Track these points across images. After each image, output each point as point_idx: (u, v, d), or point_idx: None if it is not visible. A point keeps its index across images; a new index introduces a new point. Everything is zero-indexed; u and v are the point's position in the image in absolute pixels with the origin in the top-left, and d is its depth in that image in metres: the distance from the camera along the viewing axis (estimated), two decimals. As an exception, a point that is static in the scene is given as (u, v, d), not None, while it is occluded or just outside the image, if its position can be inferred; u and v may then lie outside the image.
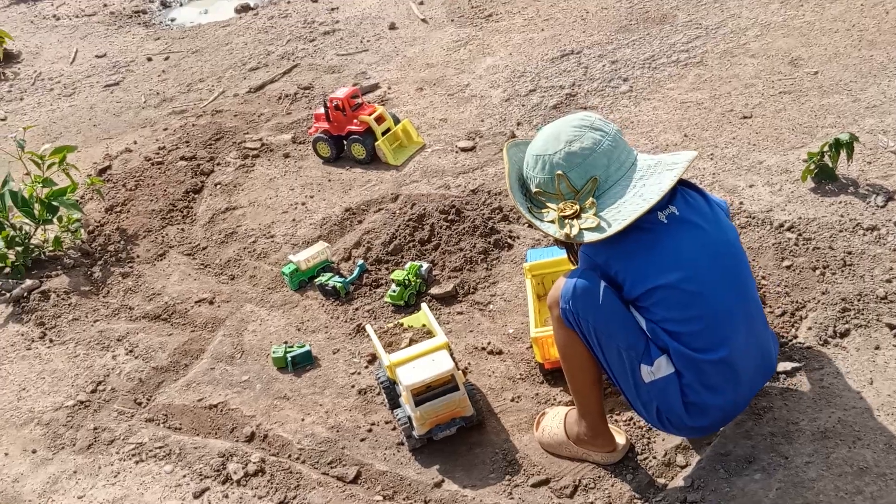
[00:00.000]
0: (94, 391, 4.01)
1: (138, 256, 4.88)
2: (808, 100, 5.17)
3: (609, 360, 2.98)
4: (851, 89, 5.18)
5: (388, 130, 5.38)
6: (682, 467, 3.16)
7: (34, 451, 3.73)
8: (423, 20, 7.27)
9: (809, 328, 3.60)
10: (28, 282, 4.70)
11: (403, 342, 3.55)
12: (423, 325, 3.67)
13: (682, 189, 3.00)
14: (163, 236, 5.01)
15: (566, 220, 2.92)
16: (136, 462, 3.60)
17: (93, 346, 4.28)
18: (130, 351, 4.21)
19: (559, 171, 2.93)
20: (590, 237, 2.87)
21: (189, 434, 3.70)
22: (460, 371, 3.47)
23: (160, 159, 5.72)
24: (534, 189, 3.01)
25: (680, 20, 6.43)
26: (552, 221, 2.95)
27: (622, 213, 2.85)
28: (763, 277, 3.89)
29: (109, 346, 4.27)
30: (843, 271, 3.86)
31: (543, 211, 2.99)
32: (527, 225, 4.55)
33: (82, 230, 5.04)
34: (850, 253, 3.94)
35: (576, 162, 2.91)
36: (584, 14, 6.81)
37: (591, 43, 6.34)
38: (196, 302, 4.47)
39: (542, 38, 6.55)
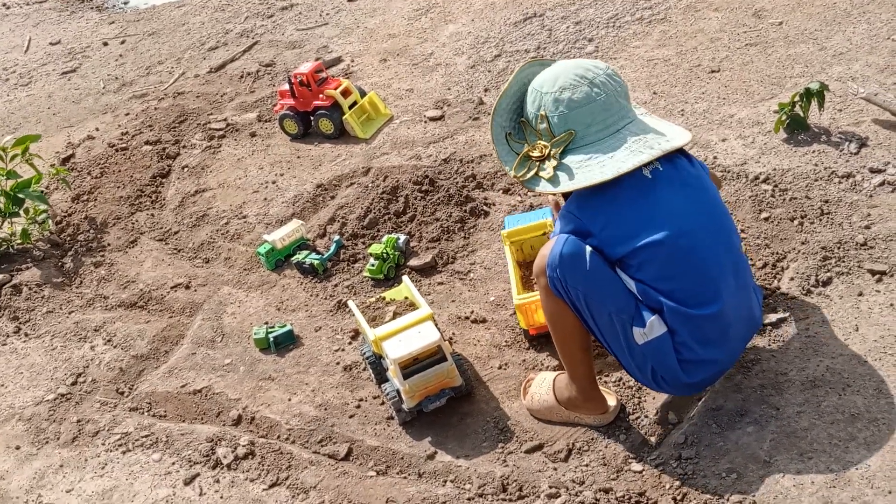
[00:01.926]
0: (74, 383, 3.95)
1: (109, 245, 4.81)
2: (775, 50, 5.16)
3: (600, 326, 2.97)
4: (817, 38, 5.18)
5: (354, 104, 5.32)
6: (675, 424, 3.16)
7: (17, 448, 3.68)
8: (382, -10, 7.19)
9: (792, 278, 3.61)
10: (-2, 276, 4.63)
11: (387, 316, 3.52)
12: (406, 298, 3.64)
13: None
14: (133, 223, 4.94)
15: (531, 161, 2.99)
16: (123, 452, 3.55)
17: (70, 338, 4.22)
18: (108, 340, 4.15)
19: (542, 112, 2.97)
20: (540, 187, 2.97)
21: (175, 421, 3.66)
22: (446, 342, 3.45)
23: (124, 145, 5.63)
24: (523, 118, 3.09)
25: (641, -23, 6.40)
26: (521, 156, 3.04)
27: (580, 174, 2.89)
28: (742, 231, 3.88)
29: (87, 336, 4.21)
30: (821, 220, 3.86)
31: (517, 142, 3.08)
32: (501, 190, 4.53)
33: (50, 221, 4.96)
34: (826, 201, 3.94)
35: (560, 110, 2.94)
36: (544, -24, 6.76)
37: (553, 4, 6.29)
38: (172, 287, 4.42)
39: (504, 2, 6.49)
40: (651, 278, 2.87)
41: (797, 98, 4.33)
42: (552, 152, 2.96)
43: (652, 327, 2.88)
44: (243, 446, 3.43)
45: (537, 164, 2.99)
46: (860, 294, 3.46)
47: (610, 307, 2.90)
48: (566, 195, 3.07)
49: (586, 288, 2.89)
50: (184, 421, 3.65)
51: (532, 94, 3.05)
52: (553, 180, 2.94)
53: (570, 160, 2.94)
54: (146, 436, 3.60)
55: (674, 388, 3.05)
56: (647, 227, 2.84)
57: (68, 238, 4.89)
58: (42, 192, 4.88)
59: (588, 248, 2.89)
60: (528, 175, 3.00)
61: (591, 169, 2.88)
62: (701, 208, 2.91)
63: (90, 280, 4.58)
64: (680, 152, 3.02)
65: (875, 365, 3.15)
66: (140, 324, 4.22)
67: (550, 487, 3.03)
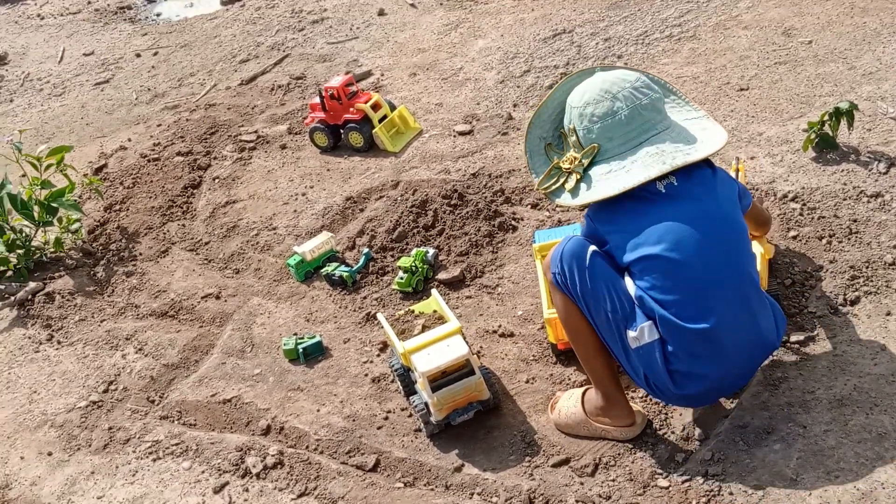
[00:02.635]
0: (105, 391, 4.00)
1: (141, 254, 4.86)
2: (804, 69, 5.17)
3: (599, 325, 3.06)
4: (846, 57, 5.19)
5: (384, 117, 5.37)
6: (701, 441, 3.17)
7: (50, 454, 3.73)
8: (412, 5, 7.24)
9: (819, 297, 3.62)
10: (31, 284, 4.69)
11: (416, 329, 3.55)
12: (434, 311, 3.67)
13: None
14: (164, 233, 5.00)
15: (561, 171, 3.15)
16: (154, 460, 3.60)
17: (101, 346, 4.27)
18: (139, 349, 4.20)
19: (572, 125, 3.12)
20: (561, 199, 3.13)
21: (205, 430, 3.70)
22: (475, 355, 3.48)
23: (156, 156, 5.69)
24: (562, 129, 3.22)
25: (670, -6, 6.43)
26: (551, 167, 3.19)
27: (595, 188, 3.04)
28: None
29: (118, 345, 4.25)
30: (849, 239, 3.87)
31: (556, 152, 3.23)
32: (529, 206, 4.56)
33: (83, 230, 5.02)
34: (855, 220, 3.95)
35: (585, 125, 3.07)
36: (574, -8, 6.80)
37: (582, 21, 6.33)
38: (202, 297, 4.46)
39: (533, 18, 6.53)
40: (648, 287, 2.95)
41: (826, 117, 4.34)
42: (578, 165, 3.08)
43: (643, 332, 2.95)
44: (272, 456, 3.47)
45: (566, 175, 3.11)
46: (888, 313, 3.47)
47: (605, 306, 2.99)
48: None
49: (583, 284, 3.01)
50: (213, 430, 3.69)
51: (567, 107, 3.18)
52: (574, 192, 3.09)
53: (593, 172, 3.07)
54: (176, 444, 3.64)
55: (668, 398, 3.10)
56: (648, 238, 2.93)
57: (100, 247, 4.95)
58: (76, 201, 4.94)
59: (591, 248, 3.03)
60: (554, 187, 3.16)
61: (607, 181, 3.01)
62: (706, 225, 2.94)
63: (122, 289, 4.64)
64: (706, 163, 3.07)
65: (903, 385, 3.16)
66: (171, 333, 4.27)
67: (577, 501, 3.05)
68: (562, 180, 3.14)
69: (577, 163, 3.09)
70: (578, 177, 3.08)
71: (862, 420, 3.07)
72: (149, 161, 5.65)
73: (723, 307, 2.91)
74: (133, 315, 4.45)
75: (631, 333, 2.97)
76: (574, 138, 3.11)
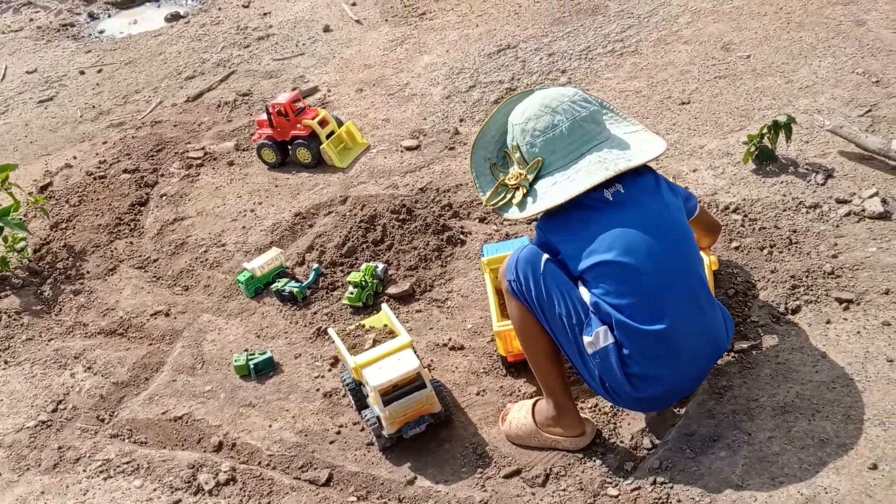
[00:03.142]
0: (54, 410, 3.97)
1: (88, 272, 4.83)
2: (743, 83, 5.29)
3: (555, 330, 3.12)
4: (784, 71, 5.31)
5: (332, 133, 5.39)
6: (649, 449, 3.23)
7: (-1, 475, 3.70)
8: (357, 21, 7.27)
9: (761, 306, 3.70)
10: (-23, 304, 4.64)
11: (367, 343, 3.57)
12: (385, 325, 3.69)
13: (635, 170, 3.13)
14: (112, 251, 4.97)
15: (509, 188, 3.22)
16: (105, 479, 3.58)
17: (49, 366, 4.24)
18: (89, 368, 4.17)
19: (515, 142, 3.20)
20: (509, 213, 3.21)
21: (156, 447, 3.69)
22: (426, 369, 3.51)
23: (102, 173, 5.66)
24: (506, 148, 3.31)
25: (612, 10, 6.52)
26: (498, 184, 3.28)
27: (542, 199, 3.12)
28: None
29: (67, 364, 4.23)
30: (789, 249, 3.96)
31: (501, 171, 3.31)
32: (477, 219, 4.61)
33: (28, 249, 4.98)
34: (795, 231, 4.05)
35: (527, 140, 3.16)
36: (517, 8, 6.87)
37: (526, 37, 6.41)
38: (151, 315, 4.45)
39: (478, 34, 6.60)
40: (603, 293, 3.01)
41: (765, 130, 4.45)
42: (524, 180, 3.15)
43: (598, 337, 3.01)
44: (224, 472, 3.47)
45: (512, 191, 3.18)
46: (828, 322, 3.56)
47: (561, 310, 3.05)
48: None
49: (538, 291, 3.08)
50: (165, 447, 3.68)
51: (509, 126, 3.27)
52: (521, 205, 3.17)
53: (538, 185, 3.15)
54: (127, 462, 3.62)
55: (625, 401, 3.15)
56: (599, 245, 3.01)
57: (47, 266, 4.91)
58: (21, 220, 4.90)
59: (544, 255, 3.10)
60: (501, 203, 3.23)
61: (553, 192, 3.09)
62: (655, 229, 3.03)
63: (69, 308, 4.60)
64: (649, 171, 3.18)
65: (843, 391, 3.24)
66: (120, 351, 4.25)
67: (529, 511, 3.10)
68: (509, 196, 3.22)
69: (522, 178, 3.16)
70: (525, 191, 3.16)
71: (805, 426, 3.15)
72: (95, 179, 5.61)
73: (675, 309, 2.99)
74: (81, 333, 4.42)
75: (587, 338, 3.03)
76: (518, 155, 3.20)
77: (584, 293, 3.08)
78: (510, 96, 3.40)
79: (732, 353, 3.50)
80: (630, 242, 2.99)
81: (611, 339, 3.01)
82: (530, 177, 3.15)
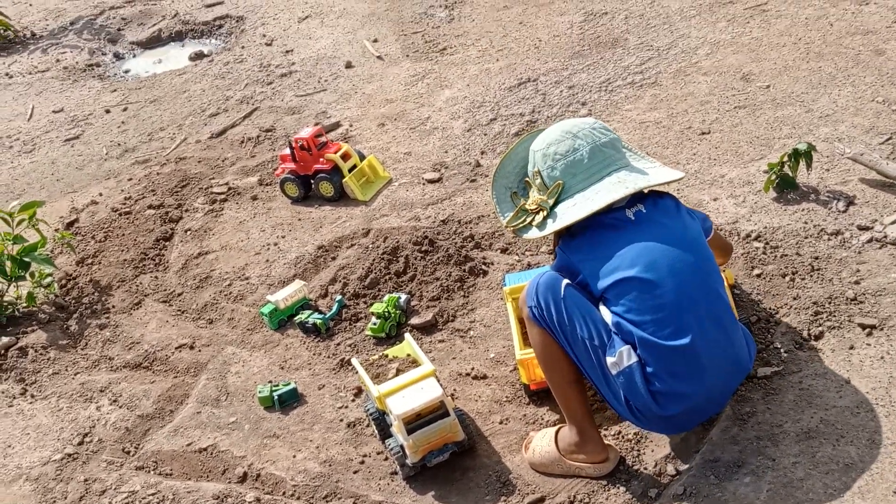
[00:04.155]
0: (80, 443, 4.00)
1: (114, 307, 4.88)
2: (763, 113, 5.30)
3: (577, 354, 3.13)
4: (804, 100, 5.32)
5: (354, 167, 5.44)
6: (673, 476, 3.22)
7: (25, 507, 3.72)
8: (379, 57, 7.35)
9: (784, 333, 3.70)
10: (4, 339, 4.69)
11: (390, 373, 3.59)
12: (408, 355, 3.71)
13: (654, 194, 3.21)
14: (137, 285, 5.02)
15: (529, 213, 3.26)
16: (131, 510, 3.60)
17: (75, 399, 4.27)
18: (114, 401, 4.21)
19: (536, 168, 3.25)
20: (529, 233, 3.25)
21: (181, 479, 3.71)
22: (449, 397, 3.52)
23: (127, 209, 5.73)
24: (527, 178, 3.35)
25: (631, 43, 6.57)
26: (518, 209, 3.32)
27: (562, 217, 3.16)
28: (733, 286, 3.98)
29: (92, 397, 4.26)
30: (811, 276, 3.96)
31: (523, 199, 3.35)
32: (499, 251, 4.63)
33: (55, 284, 5.03)
34: (817, 258, 4.05)
35: (548, 164, 3.22)
36: (538, 42, 6.93)
37: (546, 70, 6.45)
38: (176, 348, 4.48)
39: (498, 68, 6.65)
40: (625, 310, 3.02)
41: (786, 158, 4.46)
42: (545, 203, 3.20)
43: (622, 357, 3.01)
44: (249, 503, 3.48)
45: (533, 215, 3.24)
46: (851, 347, 3.55)
47: (583, 333, 3.06)
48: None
49: (559, 315, 3.10)
50: (190, 479, 3.70)
51: (530, 154, 3.33)
52: (541, 226, 3.22)
53: (559, 208, 3.19)
54: (153, 494, 3.64)
55: (650, 422, 3.14)
56: (622, 262, 3.03)
57: (73, 301, 4.96)
58: (48, 255, 4.96)
59: (564, 280, 3.13)
60: (521, 225, 3.28)
61: (573, 211, 3.13)
62: (676, 247, 3.06)
63: (95, 342, 4.65)
64: (669, 196, 3.23)
65: (867, 416, 3.23)
66: (145, 384, 4.28)
67: (553, 539, 3.09)
68: (529, 219, 3.26)
69: (543, 202, 3.21)
70: (545, 213, 3.20)
71: (829, 451, 3.13)
72: (120, 215, 5.68)
73: (698, 324, 2.99)
74: (107, 367, 4.46)
75: (610, 359, 3.03)
76: (539, 181, 3.24)
77: (606, 313, 3.10)
78: (531, 131, 3.46)
79: (756, 379, 3.49)
80: (652, 259, 3.01)
81: (634, 358, 3.01)
82: (551, 201, 3.20)
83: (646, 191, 3.20)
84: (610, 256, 3.05)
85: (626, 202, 3.14)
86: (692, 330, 2.97)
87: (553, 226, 3.16)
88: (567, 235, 3.21)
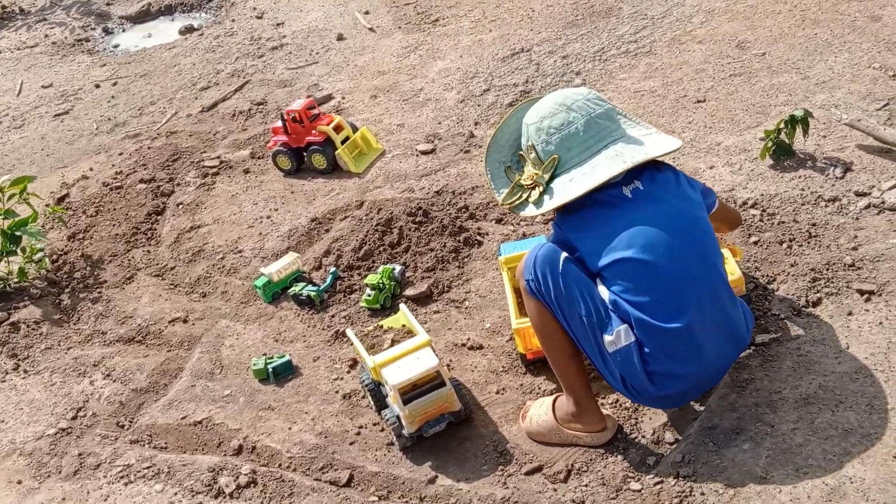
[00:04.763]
0: (74, 418, 3.97)
1: (106, 281, 4.84)
2: (759, 80, 5.27)
3: (574, 329, 3.09)
4: (799, 67, 5.29)
5: (347, 139, 5.39)
6: (672, 444, 3.21)
7: (20, 482, 3.69)
8: (371, 29, 7.29)
9: (782, 300, 3.67)
10: (-4, 315, 4.66)
11: (385, 343, 3.56)
12: (403, 326, 3.68)
13: (654, 166, 3.12)
14: (129, 259, 4.98)
15: (525, 188, 3.17)
16: (126, 484, 3.57)
17: (69, 374, 4.24)
18: (108, 375, 4.17)
19: (530, 143, 3.17)
20: (526, 210, 3.17)
21: (176, 452, 3.68)
22: (445, 367, 3.50)
23: (118, 184, 5.68)
24: (521, 151, 3.26)
25: (625, 12, 6.52)
26: (513, 185, 3.23)
27: (559, 193, 3.08)
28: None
29: (86, 371, 4.23)
30: (809, 243, 3.94)
31: (517, 173, 3.26)
32: (493, 220, 4.60)
33: (46, 259, 4.99)
34: (814, 224, 4.02)
35: (543, 138, 3.14)
36: (530, 13, 6.87)
37: (539, 40, 6.40)
38: (169, 322, 4.45)
39: (491, 39, 6.60)
40: (622, 290, 2.99)
41: (782, 125, 4.43)
42: (540, 178, 3.10)
43: (619, 336, 2.99)
44: (245, 475, 3.46)
45: (528, 191, 3.15)
46: (850, 313, 3.53)
47: (580, 310, 3.02)
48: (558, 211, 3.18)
49: (556, 289, 3.04)
50: (185, 452, 3.67)
51: (523, 128, 3.25)
52: (538, 202, 3.13)
53: (555, 183, 3.12)
54: (148, 467, 3.61)
55: (646, 399, 3.14)
56: (619, 243, 2.98)
57: (65, 276, 4.92)
58: (39, 230, 4.91)
59: (563, 254, 3.07)
60: (518, 202, 3.19)
61: (570, 187, 3.06)
62: (674, 225, 3.00)
63: (88, 316, 4.61)
64: (668, 168, 3.14)
65: (866, 381, 3.21)
66: (139, 358, 4.25)
67: (551, 507, 3.08)
68: (525, 195, 3.18)
69: (538, 177, 3.14)
70: (542, 189, 3.12)
71: (828, 417, 3.11)
72: (111, 189, 5.63)
73: (696, 305, 2.96)
74: (100, 342, 4.42)
75: (607, 338, 3.00)
76: (534, 155, 3.17)
77: (603, 291, 3.06)
78: (523, 101, 3.39)
79: (754, 346, 3.47)
80: (649, 239, 2.96)
81: (632, 338, 2.99)
82: (546, 175, 3.13)
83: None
84: (607, 235, 3.00)
85: (623, 177, 3.06)
86: (690, 311, 2.94)
87: (550, 203, 3.09)
88: (564, 211, 3.14)
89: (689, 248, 3.01)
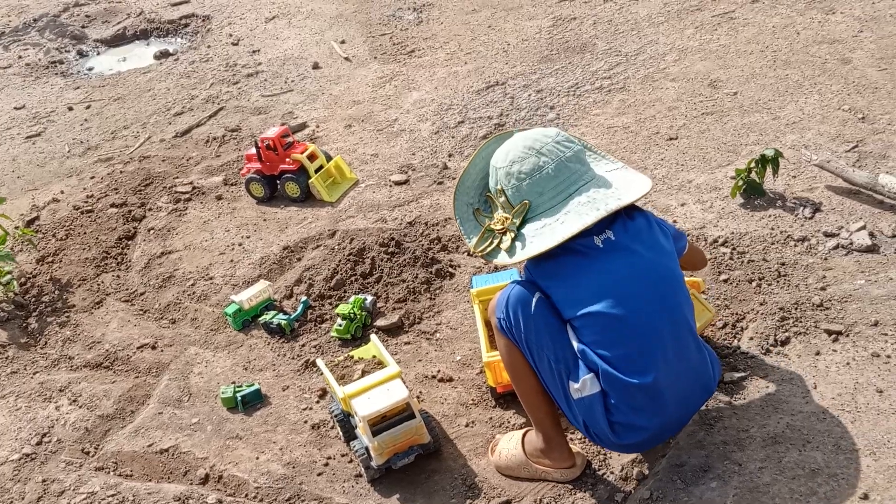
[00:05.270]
0: (39, 443, 3.93)
1: (74, 306, 4.80)
2: (731, 119, 5.32)
3: (541, 372, 3.08)
4: (770, 107, 5.35)
5: (320, 168, 5.40)
6: (640, 480, 3.21)
7: (-19, 508, 3.65)
8: (346, 59, 7.31)
9: (751, 338, 3.70)
10: (-38, 337, 4.61)
11: (356, 374, 3.55)
12: (374, 357, 3.68)
13: (626, 213, 3.08)
14: (98, 284, 4.94)
15: (496, 233, 3.11)
16: (89, 512, 3.54)
17: (34, 398, 4.20)
18: (74, 401, 4.14)
19: (499, 186, 3.11)
20: (498, 258, 3.10)
21: (141, 480, 3.65)
22: (415, 399, 3.49)
23: (89, 207, 5.65)
24: (490, 192, 3.20)
25: (600, 48, 6.58)
26: (484, 230, 3.17)
27: (532, 243, 3.01)
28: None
29: (52, 396, 4.19)
30: (778, 282, 3.97)
31: (486, 216, 3.20)
32: (466, 252, 4.61)
33: (14, 282, 4.95)
34: (783, 264, 4.06)
35: (513, 183, 3.07)
36: (506, 46, 6.92)
37: (514, 74, 6.45)
38: (138, 348, 4.42)
39: (467, 71, 6.64)
40: (590, 342, 2.97)
41: (753, 164, 4.47)
42: (511, 224, 3.07)
43: (585, 384, 2.98)
44: (211, 505, 3.44)
45: (500, 236, 3.10)
46: (817, 353, 3.56)
47: (549, 354, 3.01)
48: None
49: (527, 332, 3.03)
50: (150, 480, 3.64)
51: (491, 170, 3.19)
52: (510, 251, 3.07)
53: (527, 230, 3.06)
54: (112, 495, 3.58)
55: (607, 445, 3.13)
56: (588, 295, 2.95)
57: (33, 299, 4.88)
58: (8, 252, 4.87)
59: (537, 295, 3.03)
60: (489, 249, 3.13)
61: (543, 236, 3.00)
62: (645, 278, 2.98)
63: (55, 341, 4.57)
64: (640, 214, 3.11)
65: (833, 421, 3.23)
66: (106, 384, 4.21)
67: (519, 543, 3.07)
68: (496, 241, 3.13)
69: (509, 222, 3.08)
70: (513, 235, 3.07)
71: (795, 457, 3.13)
72: (82, 213, 5.60)
73: (663, 360, 2.96)
74: (67, 367, 4.38)
75: (573, 385, 3.00)
76: (503, 199, 3.11)
77: (572, 337, 3.04)
78: (487, 140, 3.35)
79: (722, 384, 3.49)
80: (619, 293, 2.94)
81: (597, 388, 2.98)
82: (517, 220, 3.07)
83: None
84: (578, 285, 2.98)
85: (594, 225, 2.98)
86: (657, 366, 2.94)
87: (523, 253, 3.03)
88: (535, 258, 3.06)
89: (659, 302, 2.99)
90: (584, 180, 3.06)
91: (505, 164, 3.09)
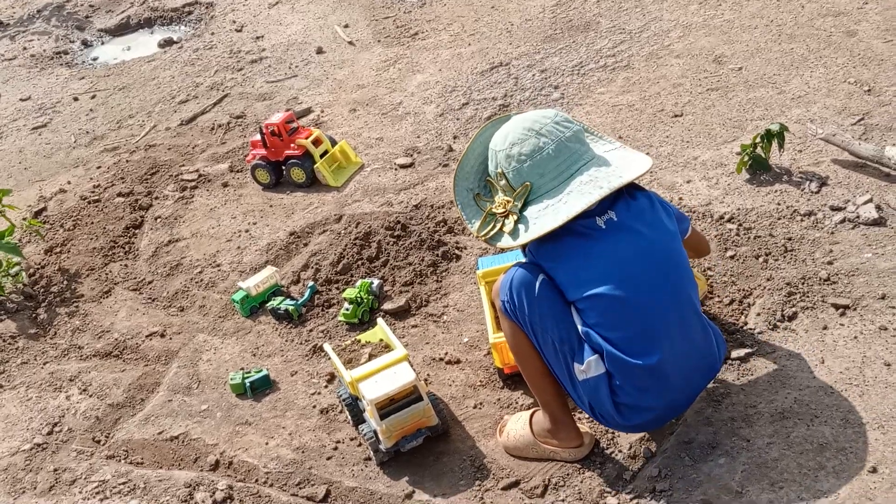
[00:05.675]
0: (50, 433, 3.95)
1: (83, 295, 4.82)
2: (735, 95, 5.30)
3: (546, 353, 3.09)
4: (776, 82, 5.32)
5: (325, 153, 5.39)
6: (648, 458, 3.22)
7: (-6, 498, 3.68)
8: (350, 43, 7.29)
9: (758, 314, 3.69)
10: (-29, 329, 4.63)
11: (363, 358, 3.56)
12: (381, 340, 3.68)
13: (627, 192, 3.07)
14: (106, 273, 4.96)
15: (497, 217, 3.09)
16: (101, 500, 3.55)
17: (45, 388, 4.22)
18: (84, 390, 4.16)
19: (500, 170, 3.09)
20: (502, 241, 3.08)
21: (152, 467, 3.67)
22: (422, 381, 3.50)
23: (96, 197, 5.66)
24: (489, 177, 3.18)
25: (603, 26, 6.54)
26: (486, 214, 3.14)
27: (535, 225, 2.99)
28: (708, 268, 3.97)
29: (62, 386, 4.21)
30: (785, 257, 3.96)
31: (487, 200, 3.18)
32: (471, 235, 4.60)
33: (23, 273, 4.97)
34: (790, 239, 4.04)
35: (513, 165, 3.05)
36: (509, 27, 6.89)
37: (518, 54, 6.42)
38: (147, 336, 4.43)
39: (470, 53, 6.62)
40: (595, 324, 2.97)
41: (758, 139, 4.45)
42: (513, 207, 3.05)
43: (590, 366, 2.98)
44: (221, 490, 3.45)
45: (502, 220, 3.08)
46: (825, 328, 3.55)
47: (553, 336, 3.01)
48: None
49: (531, 314, 3.02)
50: (161, 467, 3.66)
51: (490, 153, 3.17)
52: (514, 233, 3.05)
53: (529, 212, 3.04)
54: (123, 483, 3.60)
55: (613, 426, 3.14)
56: (592, 277, 2.94)
57: (42, 290, 4.90)
58: (15, 244, 4.89)
59: (541, 277, 3.03)
60: (492, 232, 3.11)
61: (546, 217, 2.98)
62: (648, 258, 2.97)
63: (64, 331, 4.59)
64: (642, 194, 3.10)
65: (841, 396, 3.23)
66: (115, 373, 4.23)
67: (528, 522, 3.08)
68: (499, 225, 3.11)
69: (511, 205, 3.07)
70: (516, 217, 3.05)
71: (803, 432, 3.13)
72: (89, 203, 5.61)
73: (668, 341, 2.95)
74: (76, 356, 4.40)
75: (578, 366, 3.00)
76: (504, 182, 3.09)
77: (577, 319, 3.04)
78: (485, 125, 3.33)
79: (730, 361, 3.49)
80: (623, 274, 2.93)
81: (602, 369, 2.99)
82: (519, 203, 3.05)
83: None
84: (581, 267, 2.97)
85: (597, 205, 2.97)
86: (662, 347, 2.94)
87: (526, 235, 3.01)
88: (537, 240, 3.05)
89: (663, 283, 2.98)
90: (584, 160, 3.05)
91: (504, 147, 3.07)
